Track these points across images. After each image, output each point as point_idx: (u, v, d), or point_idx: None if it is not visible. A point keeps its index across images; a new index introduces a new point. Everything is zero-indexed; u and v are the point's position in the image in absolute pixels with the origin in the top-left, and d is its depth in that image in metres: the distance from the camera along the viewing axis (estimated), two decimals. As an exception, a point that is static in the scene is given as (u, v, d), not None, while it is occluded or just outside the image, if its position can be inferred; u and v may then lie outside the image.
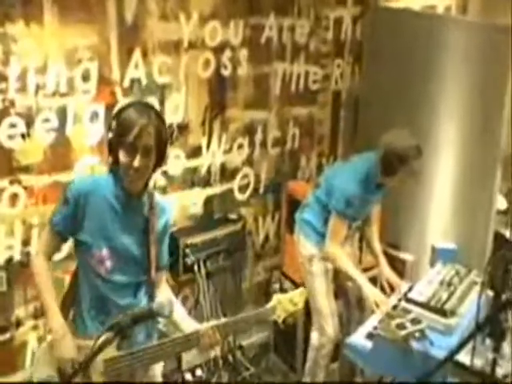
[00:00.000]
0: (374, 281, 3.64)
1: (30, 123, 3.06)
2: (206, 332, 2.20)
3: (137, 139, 2.12)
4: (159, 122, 2.19)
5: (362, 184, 3.15)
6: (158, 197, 2.35)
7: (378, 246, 3.53)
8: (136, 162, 2.14)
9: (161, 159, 2.23)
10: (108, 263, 2.27)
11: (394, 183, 3.18)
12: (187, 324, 2.33)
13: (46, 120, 3.12)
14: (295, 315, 2.36)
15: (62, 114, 3.16)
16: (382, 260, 3.48)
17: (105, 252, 2.26)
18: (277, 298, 2.34)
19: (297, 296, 2.37)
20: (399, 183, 3.16)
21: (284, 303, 2.33)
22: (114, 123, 2.19)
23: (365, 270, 3.71)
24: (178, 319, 2.32)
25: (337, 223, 3.23)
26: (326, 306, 3.47)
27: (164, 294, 2.39)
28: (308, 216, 3.44)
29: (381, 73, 4.18)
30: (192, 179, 3.80)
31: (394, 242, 4.10)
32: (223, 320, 2.27)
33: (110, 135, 2.20)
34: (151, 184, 2.33)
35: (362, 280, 3.20)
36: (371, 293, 3.13)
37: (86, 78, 3.19)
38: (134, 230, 2.30)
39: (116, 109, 2.24)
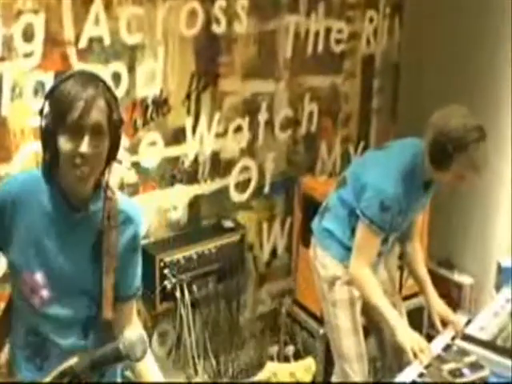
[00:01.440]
0: (419, 312, 3.65)
1: (-50, 97, 3.05)
2: None
3: (83, 116, 2.11)
4: (110, 96, 2.19)
5: (403, 181, 3.14)
6: (119, 200, 2.33)
7: (422, 268, 3.53)
8: (84, 147, 2.11)
9: (115, 148, 2.22)
10: (44, 292, 2.26)
11: (447, 179, 3.16)
12: (154, 377, 2.35)
13: (-26, 93, 3.11)
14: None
15: (-4, 85, 3.14)
16: (429, 286, 3.48)
17: (39, 277, 2.25)
18: (271, 368, 2.21)
19: (300, 370, 2.22)
20: (454, 180, 3.14)
21: (281, 376, 2.20)
22: (46, 104, 2.17)
23: (407, 298, 3.75)
24: (144, 369, 2.33)
25: (366, 234, 3.23)
26: (352, 346, 3.47)
27: (134, 329, 2.36)
28: (329, 224, 3.44)
29: (429, 29, 4.21)
30: (172, 174, 3.81)
31: (446, 259, 4.11)
32: None
33: (43, 122, 2.17)
34: (110, 182, 2.32)
35: (393, 318, 3.19)
36: (406, 338, 3.12)
37: (27, 36, 3.16)
38: (81, 249, 2.28)
39: (49, 88, 2.24)
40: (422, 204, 3.40)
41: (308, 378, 2.22)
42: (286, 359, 4.19)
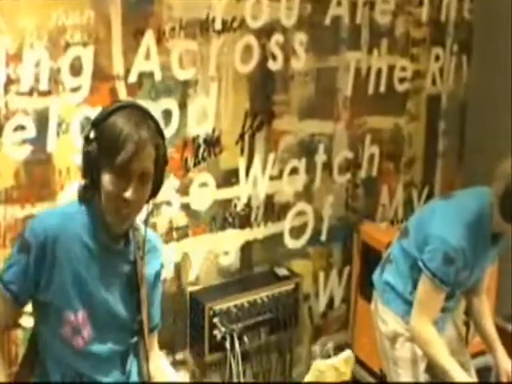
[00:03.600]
0: (487, 372, 3.61)
1: (-5, 132, 3.12)
2: None
3: (132, 161, 2.14)
4: (159, 139, 2.25)
5: (469, 232, 3.09)
6: (142, 229, 2.39)
7: (490, 324, 3.45)
8: (129, 193, 2.16)
9: (156, 187, 2.29)
10: (85, 332, 2.29)
11: None
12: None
13: (19, 128, 3.13)
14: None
15: (42, 120, 3.17)
16: (498, 343, 3.40)
17: (81, 316, 2.27)
18: (316, 366, 2.45)
19: (342, 364, 2.47)
20: None
21: (327, 373, 2.43)
22: (93, 132, 2.21)
23: (473, 356, 3.63)
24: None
25: (429, 289, 3.16)
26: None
27: (157, 362, 2.48)
28: (390, 277, 3.40)
29: (498, 68, 4.18)
30: (224, 217, 3.80)
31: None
32: None
33: (88, 147, 2.21)
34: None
35: (462, 379, 3.10)
36: None
37: (75, 70, 3.20)
38: (118, 281, 2.33)
39: (98, 113, 2.27)
40: (490, 258, 3.32)
41: (349, 370, 2.49)
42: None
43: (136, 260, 2.32)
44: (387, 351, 3.41)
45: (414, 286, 3.23)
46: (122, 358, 2.38)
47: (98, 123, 2.21)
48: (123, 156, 2.13)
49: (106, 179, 2.16)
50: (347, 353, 2.50)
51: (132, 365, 2.43)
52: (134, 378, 2.42)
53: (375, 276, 3.50)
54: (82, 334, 2.28)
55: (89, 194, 2.25)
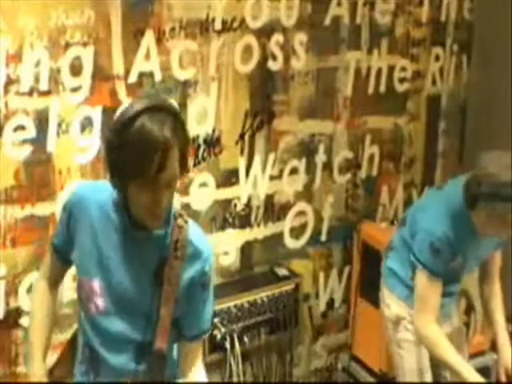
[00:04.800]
0: (486, 372, 3.58)
1: (-5, 132, 3.10)
2: None
3: (161, 171, 2.09)
4: (184, 136, 2.18)
5: (455, 223, 3.10)
6: (190, 231, 2.32)
7: (501, 316, 3.44)
8: (159, 202, 2.14)
9: (183, 172, 2.23)
10: (99, 301, 2.31)
11: (480, 222, 3.11)
12: None
13: (19, 128, 3.13)
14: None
15: (42, 120, 3.17)
16: (503, 334, 3.40)
17: (95, 285, 2.29)
18: None
19: None
20: (490, 228, 3.07)
21: None
22: (117, 137, 2.11)
23: (473, 356, 3.66)
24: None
25: (424, 281, 3.18)
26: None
27: (197, 375, 2.41)
28: (393, 263, 3.44)
29: (498, 68, 4.18)
30: (224, 217, 3.80)
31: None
32: None
33: (113, 156, 2.14)
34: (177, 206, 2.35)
35: (471, 377, 3.10)
36: None
37: (75, 70, 3.20)
38: (142, 269, 2.30)
39: (122, 110, 2.14)
40: (486, 246, 3.31)
41: None
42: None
43: (168, 256, 2.27)
44: (391, 335, 3.44)
45: (414, 272, 3.25)
46: (136, 347, 2.33)
47: (123, 128, 2.10)
48: (150, 167, 2.07)
49: (134, 189, 2.13)
50: None
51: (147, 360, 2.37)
52: (146, 373, 2.37)
53: (382, 265, 3.52)
54: (96, 302, 2.29)
55: (117, 189, 2.22)
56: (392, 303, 3.40)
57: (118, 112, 2.15)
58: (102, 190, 2.30)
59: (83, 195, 2.34)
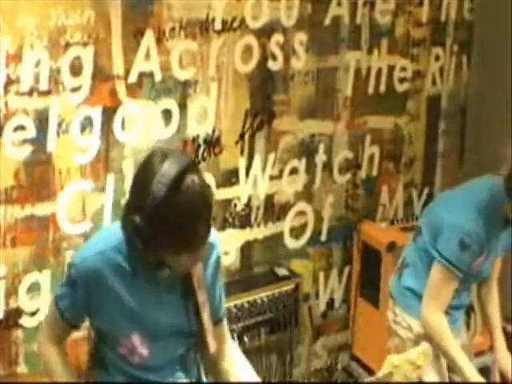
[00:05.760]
0: (485, 372, 3.51)
1: (-5, 132, 3.10)
2: None
3: (199, 248, 2.17)
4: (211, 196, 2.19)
5: (483, 217, 3.08)
6: None
7: (497, 316, 3.44)
8: (194, 264, 2.24)
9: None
10: (143, 350, 2.33)
11: None
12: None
13: (19, 128, 3.13)
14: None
15: (42, 120, 3.18)
16: (499, 335, 3.39)
17: (135, 339, 2.32)
18: (391, 361, 2.40)
19: (419, 356, 2.41)
20: None
21: (402, 367, 2.38)
22: (147, 215, 2.07)
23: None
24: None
25: (443, 277, 3.14)
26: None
27: (231, 356, 2.53)
28: (409, 281, 3.33)
29: (499, 68, 4.17)
30: (224, 217, 3.80)
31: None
32: None
33: (145, 232, 2.09)
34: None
35: (471, 374, 3.10)
36: None
37: (75, 70, 3.20)
38: (168, 291, 2.33)
39: (153, 191, 2.05)
40: (502, 244, 3.30)
41: (426, 362, 2.44)
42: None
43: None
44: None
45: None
46: (182, 358, 2.42)
47: (156, 205, 2.05)
48: (189, 246, 2.12)
49: (169, 258, 2.17)
50: (423, 345, 2.46)
51: (193, 363, 2.48)
52: (195, 374, 2.47)
53: (392, 283, 3.44)
54: (140, 354, 2.32)
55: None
56: (412, 324, 3.30)
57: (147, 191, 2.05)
58: (104, 245, 2.28)
59: (91, 267, 2.25)
